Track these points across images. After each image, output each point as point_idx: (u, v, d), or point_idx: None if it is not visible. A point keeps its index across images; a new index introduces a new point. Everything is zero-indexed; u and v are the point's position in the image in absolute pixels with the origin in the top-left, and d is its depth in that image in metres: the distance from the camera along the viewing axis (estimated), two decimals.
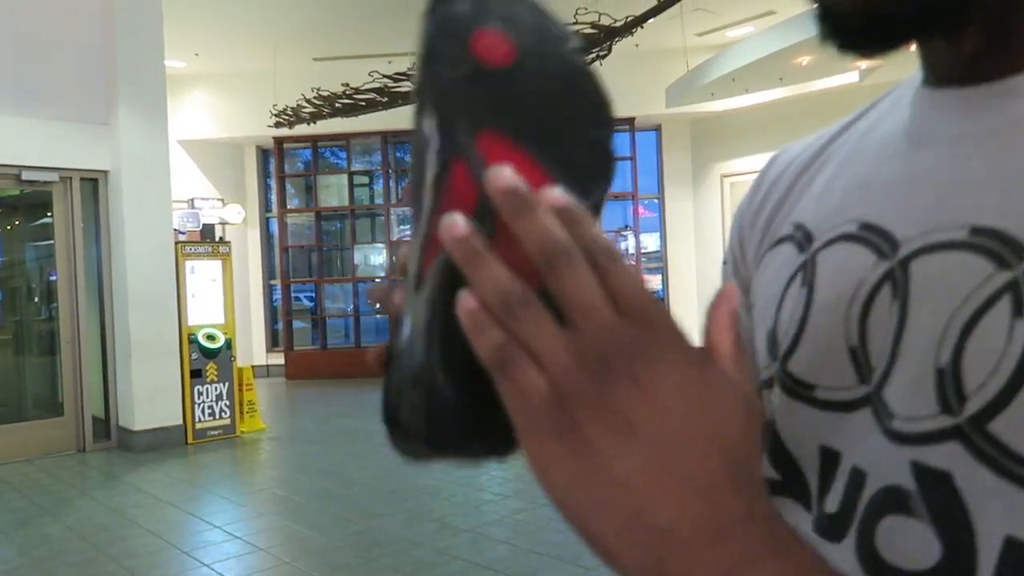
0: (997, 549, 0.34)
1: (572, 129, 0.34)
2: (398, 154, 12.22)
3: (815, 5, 0.40)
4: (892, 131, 0.45)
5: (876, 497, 0.39)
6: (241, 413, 7.37)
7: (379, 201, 12.07)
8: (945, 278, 0.37)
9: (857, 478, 0.40)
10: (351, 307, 12.02)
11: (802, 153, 0.53)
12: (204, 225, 8.03)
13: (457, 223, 0.31)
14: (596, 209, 0.35)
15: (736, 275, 0.56)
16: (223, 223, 8.55)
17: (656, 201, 11.65)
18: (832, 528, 0.41)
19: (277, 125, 9.40)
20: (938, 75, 0.42)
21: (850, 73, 8.18)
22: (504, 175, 0.30)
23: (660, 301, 0.32)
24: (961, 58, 0.40)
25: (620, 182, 11.81)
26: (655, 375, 0.30)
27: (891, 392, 0.39)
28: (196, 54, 10.03)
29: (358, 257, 12.13)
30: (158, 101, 6.96)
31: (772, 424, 0.47)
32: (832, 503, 0.41)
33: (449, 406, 0.34)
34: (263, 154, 12.19)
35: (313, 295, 12.21)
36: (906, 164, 0.43)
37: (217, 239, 8.12)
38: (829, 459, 0.42)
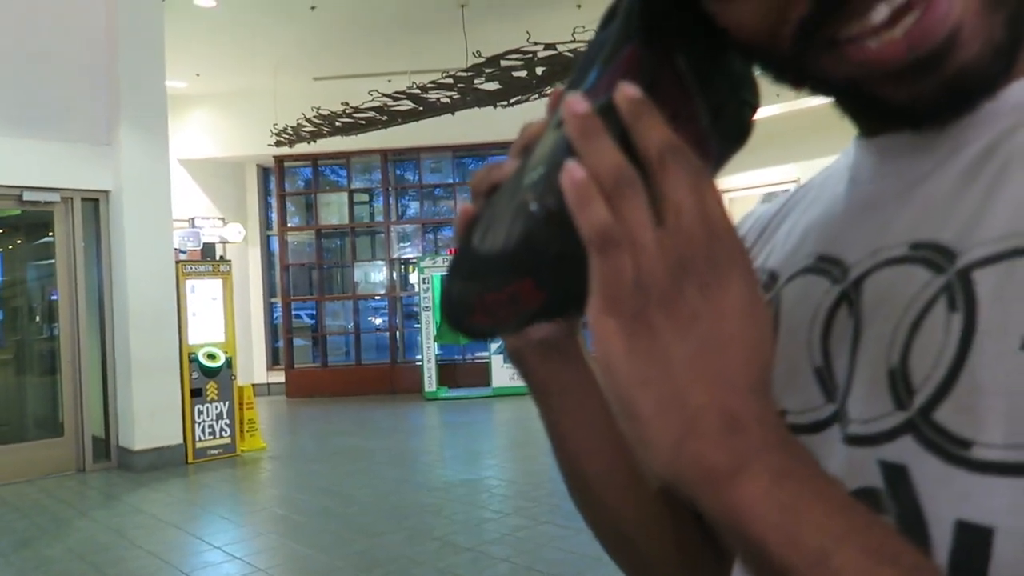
0: (949, 534, 0.36)
1: (732, 89, 0.41)
2: (398, 172, 12.27)
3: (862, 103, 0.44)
4: (839, 179, 0.51)
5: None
6: (241, 432, 7.36)
7: (379, 219, 12.10)
8: (892, 290, 0.41)
9: None
10: (351, 324, 12.02)
11: (767, 211, 0.59)
12: (205, 244, 8.05)
13: (578, 101, 0.35)
14: (721, 161, 0.40)
15: None
16: (224, 242, 8.57)
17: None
18: None
19: (278, 144, 9.45)
20: (868, 130, 0.48)
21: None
22: (630, 89, 0.35)
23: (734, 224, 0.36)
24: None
25: None
26: (723, 283, 0.34)
27: (852, 402, 0.42)
28: (197, 74, 10.11)
29: (358, 274, 12.15)
30: (159, 121, 7.01)
31: None
32: None
33: (538, 235, 0.37)
34: (264, 172, 12.25)
35: (314, 312, 12.23)
36: (850, 201, 0.48)
37: (218, 258, 8.14)
38: None
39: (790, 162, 9.43)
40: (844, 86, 0.41)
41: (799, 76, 0.43)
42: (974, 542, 0.35)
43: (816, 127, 8.71)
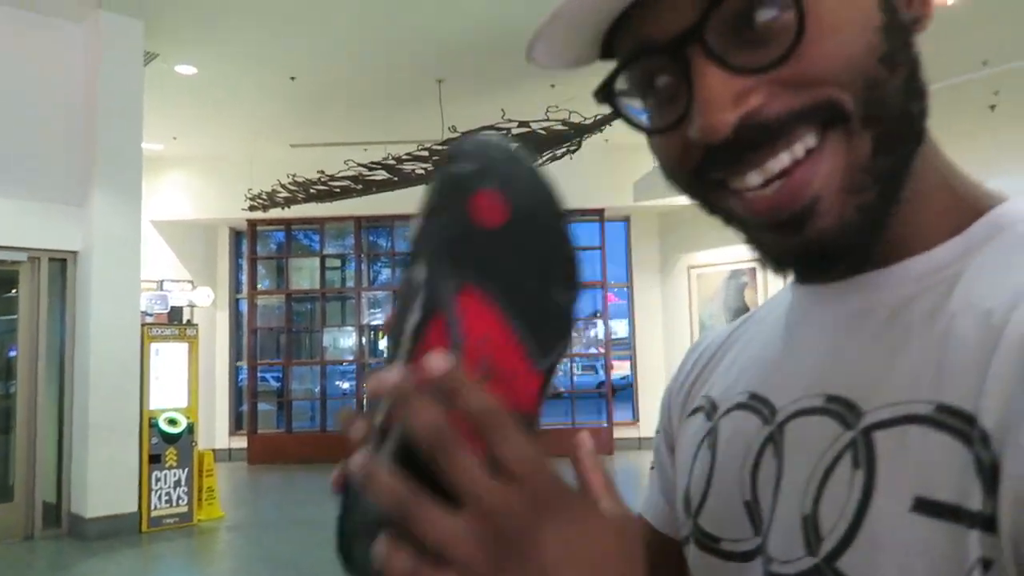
0: None
1: (545, 293, 0.38)
2: (371, 238, 12.36)
3: (754, 246, 0.49)
4: (776, 319, 0.56)
5: None
6: (199, 500, 7.17)
7: (350, 284, 12.12)
8: (807, 439, 0.46)
9: None
10: (318, 389, 11.88)
11: (716, 339, 0.64)
12: (172, 307, 7.98)
13: (391, 379, 0.36)
14: (552, 368, 0.38)
15: (666, 439, 0.65)
16: (192, 306, 8.51)
17: (625, 289, 11.84)
18: None
19: (252, 209, 9.51)
20: (799, 273, 0.53)
21: None
22: (438, 362, 0.35)
23: (545, 462, 0.36)
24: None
25: (590, 270, 12.01)
26: (542, 545, 0.35)
27: (772, 539, 0.47)
28: (174, 137, 10.20)
29: (327, 339, 12.07)
30: (134, 184, 7.03)
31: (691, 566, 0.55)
32: None
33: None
34: (236, 236, 12.25)
35: (280, 376, 12.07)
36: (782, 344, 0.54)
37: (185, 321, 8.07)
38: None
39: None
40: (740, 225, 0.48)
41: (710, 208, 0.49)
42: None
43: None
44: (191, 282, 8.87)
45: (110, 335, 6.69)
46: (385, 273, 12.42)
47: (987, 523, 0.37)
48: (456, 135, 7.31)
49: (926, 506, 0.39)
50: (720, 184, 0.46)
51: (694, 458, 0.57)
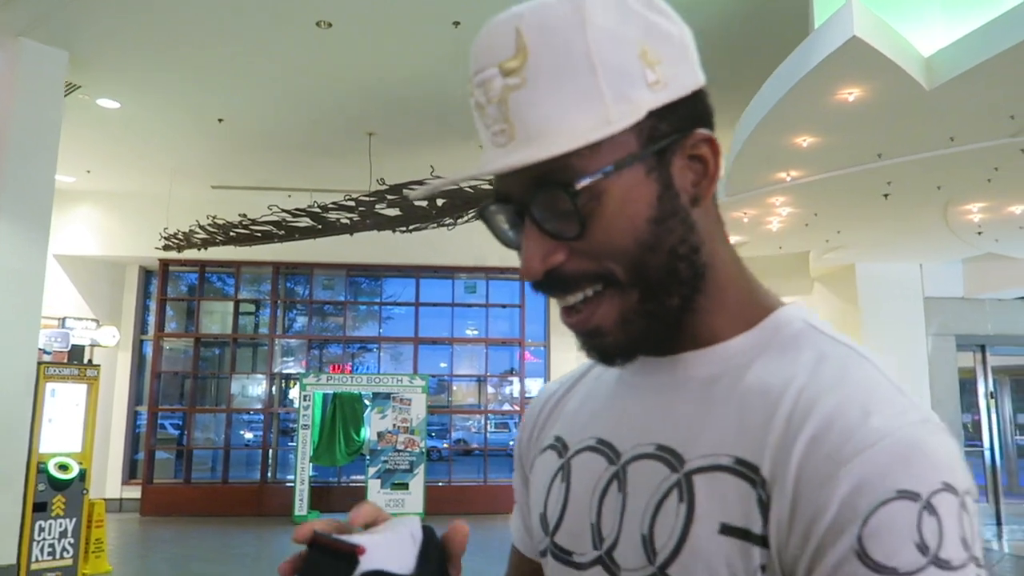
0: None
1: None
2: (288, 285, 12.15)
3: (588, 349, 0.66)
4: (611, 379, 0.73)
5: None
6: (86, 553, 6.73)
7: (264, 330, 11.83)
8: (644, 478, 0.63)
9: None
10: (222, 438, 11.42)
11: (557, 390, 0.81)
12: (73, 346, 7.60)
13: None
14: None
15: (521, 476, 0.82)
16: (94, 345, 8.12)
17: (543, 348, 11.98)
18: None
19: (166, 248, 9.22)
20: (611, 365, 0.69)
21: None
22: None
23: None
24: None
25: (508, 328, 12.13)
26: None
27: (619, 553, 0.62)
28: (88, 171, 9.86)
29: (236, 387, 11.68)
30: (42, 216, 6.73)
31: None
32: None
33: None
34: (146, 275, 11.83)
35: (181, 424, 11.56)
36: (621, 400, 0.70)
37: (86, 361, 7.69)
38: None
39: None
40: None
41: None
42: None
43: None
44: (96, 320, 8.48)
45: (2, 372, 6.30)
46: (301, 321, 12.19)
47: (764, 542, 0.55)
48: (384, 187, 7.36)
49: (728, 530, 0.56)
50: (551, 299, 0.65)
51: (549, 489, 0.72)
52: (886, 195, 6.45)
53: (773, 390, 0.58)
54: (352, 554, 0.53)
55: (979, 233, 7.59)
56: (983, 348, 9.92)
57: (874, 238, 8.16)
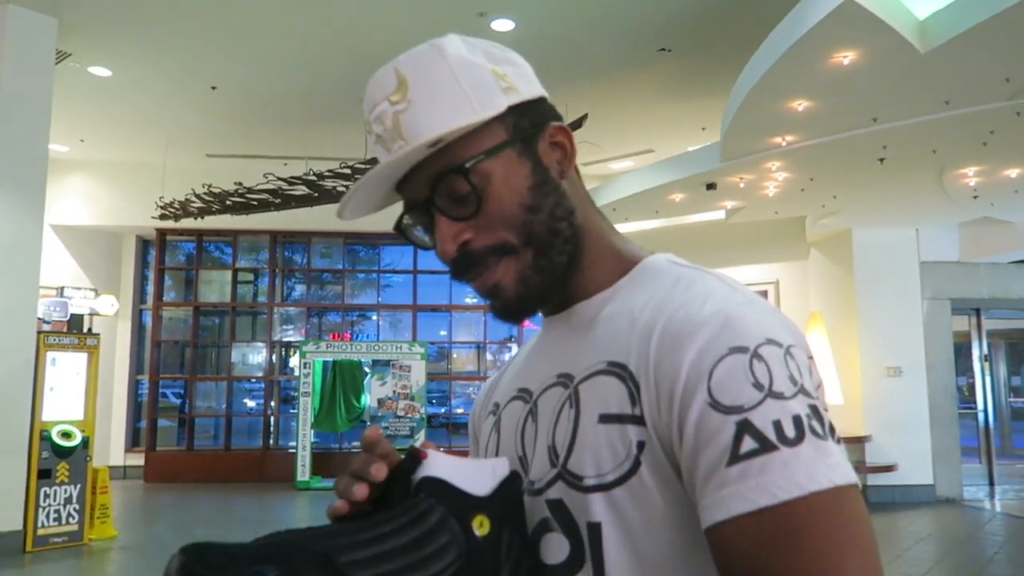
0: (586, 531, 0.67)
1: None
2: (286, 253, 12.16)
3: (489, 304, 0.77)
4: (532, 345, 0.88)
5: (535, 531, 0.71)
6: (91, 518, 6.85)
7: (263, 299, 11.87)
8: (548, 402, 0.76)
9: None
10: (223, 406, 11.53)
11: (497, 375, 0.95)
12: (72, 315, 7.63)
13: None
14: None
15: (474, 441, 0.95)
16: (93, 314, 8.15)
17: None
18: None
19: (162, 217, 9.22)
20: (545, 311, 0.82)
21: (718, 212, 8.96)
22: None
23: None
24: (551, 303, 0.81)
25: None
26: None
27: (532, 470, 0.74)
28: (81, 140, 9.82)
29: (236, 355, 11.75)
30: (36, 185, 6.73)
31: None
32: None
33: None
34: (143, 244, 11.84)
35: (183, 392, 11.66)
36: (534, 355, 0.85)
37: (86, 330, 7.73)
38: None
39: (770, 262, 10.05)
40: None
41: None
42: (595, 532, 0.67)
43: (690, 242, 9.35)
44: (94, 290, 8.50)
45: (3, 341, 6.35)
46: (299, 289, 12.23)
47: (639, 420, 0.66)
48: None
49: (605, 417, 0.68)
50: (467, 283, 0.77)
51: (487, 443, 0.85)
52: (882, 160, 6.44)
53: (636, 308, 0.71)
54: (416, 457, 0.59)
55: (975, 197, 7.58)
56: (978, 312, 9.96)
57: (870, 203, 8.15)
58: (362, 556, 0.54)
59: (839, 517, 0.57)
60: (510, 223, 0.73)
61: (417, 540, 0.57)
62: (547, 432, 0.73)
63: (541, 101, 0.78)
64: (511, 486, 0.66)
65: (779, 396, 0.60)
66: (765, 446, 0.58)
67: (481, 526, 0.61)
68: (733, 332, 0.63)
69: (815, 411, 0.61)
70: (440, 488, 0.60)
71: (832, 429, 0.62)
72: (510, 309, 0.75)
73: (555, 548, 0.69)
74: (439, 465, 0.61)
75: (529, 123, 0.75)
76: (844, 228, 9.11)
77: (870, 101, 5.37)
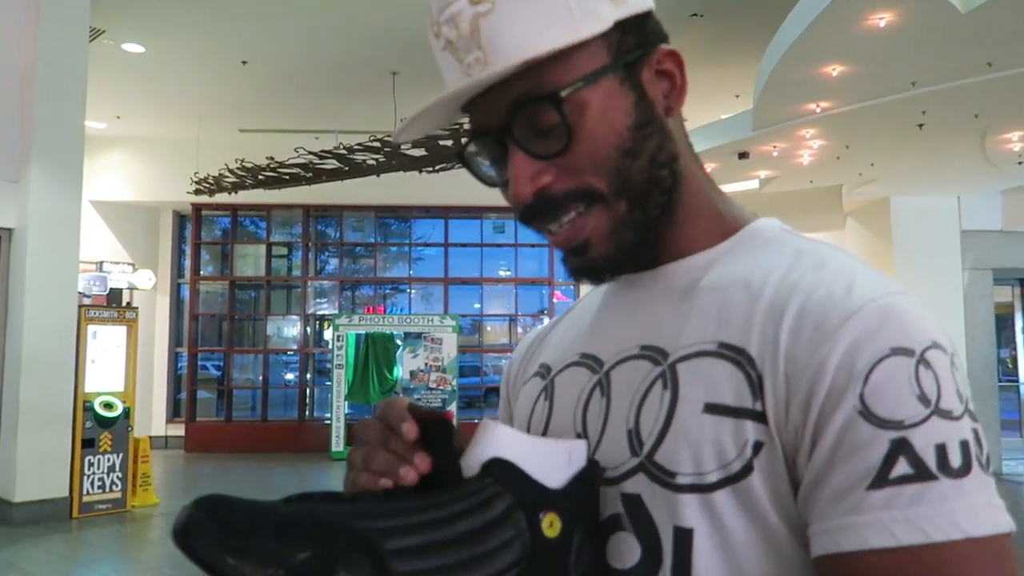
0: (671, 536, 0.57)
1: None
2: (319, 227, 12.27)
3: (564, 264, 0.67)
4: (594, 304, 0.76)
5: (602, 525, 0.61)
6: (134, 486, 7.06)
7: (297, 273, 12.01)
8: (628, 377, 0.64)
9: None
10: (260, 378, 11.75)
11: (543, 329, 0.83)
12: (111, 289, 7.82)
13: None
14: None
15: (507, 409, 0.83)
16: (132, 288, 8.34)
17: (572, 287, 12.01)
18: None
19: (197, 192, 9.35)
20: (594, 283, 0.71)
21: (751, 182, 8.81)
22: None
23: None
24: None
25: (538, 268, 12.16)
26: None
27: (600, 455, 0.62)
28: (118, 117, 9.96)
29: (271, 328, 11.95)
30: (74, 162, 6.87)
31: None
32: None
33: None
34: (180, 220, 12.03)
35: (221, 365, 11.90)
36: (603, 318, 0.72)
37: (124, 304, 7.91)
38: None
39: (805, 232, 9.94)
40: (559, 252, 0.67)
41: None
42: (683, 539, 0.56)
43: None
44: (132, 264, 8.70)
45: (45, 315, 6.54)
46: (332, 263, 12.35)
47: (760, 418, 0.55)
48: None
49: (713, 408, 0.57)
50: (540, 231, 0.66)
51: (532, 410, 0.73)
52: (920, 125, 6.26)
53: (754, 281, 0.60)
54: (447, 424, 0.50)
55: (1019, 163, 7.34)
56: (1021, 282, 9.70)
57: (909, 170, 7.95)
58: (411, 544, 0.46)
59: (996, 570, 0.49)
60: (602, 167, 0.61)
61: (477, 532, 0.48)
62: (627, 413, 0.61)
63: (648, 16, 0.65)
64: (588, 478, 0.57)
65: (947, 415, 0.51)
66: (922, 474, 0.49)
67: (551, 525, 0.52)
68: (895, 329, 0.52)
69: (978, 437, 0.52)
70: (510, 473, 0.51)
71: (990, 461, 0.53)
72: (595, 268, 0.64)
73: (624, 550, 0.59)
74: (509, 444, 0.51)
75: (635, 43, 0.63)
76: (882, 196, 8.91)
77: (908, 64, 5.21)
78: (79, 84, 6.93)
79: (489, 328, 12.55)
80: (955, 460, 0.50)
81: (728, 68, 8.18)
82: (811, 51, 5.05)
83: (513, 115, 0.60)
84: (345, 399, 10.43)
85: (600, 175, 0.61)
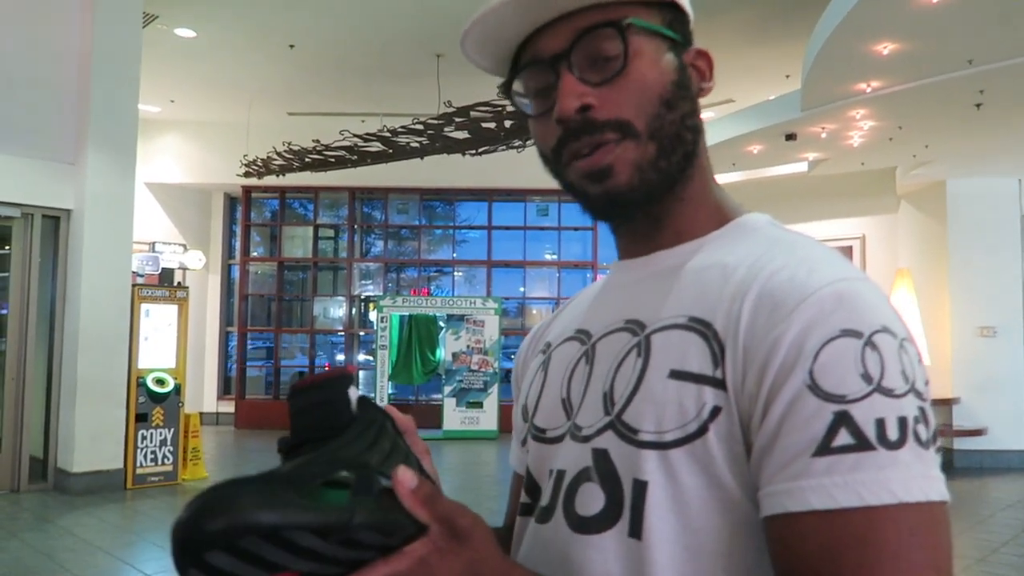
0: (631, 488, 0.62)
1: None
2: (365, 210, 12.41)
3: (581, 200, 0.71)
4: (594, 290, 0.83)
5: (574, 479, 0.66)
6: (184, 460, 7.29)
7: (343, 255, 12.18)
8: (610, 347, 0.70)
9: (559, 477, 0.69)
10: (307, 358, 11.98)
11: (548, 319, 0.89)
12: (164, 269, 8.05)
13: None
14: None
15: (517, 382, 0.88)
16: (183, 268, 8.58)
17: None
18: (545, 513, 0.69)
19: (246, 175, 9.54)
20: (620, 254, 0.78)
21: (800, 164, 8.61)
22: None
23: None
24: (629, 245, 0.76)
25: (582, 251, 12.11)
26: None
27: (581, 416, 0.69)
28: (172, 100, 10.20)
29: (317, 309, 12.16)
30: (128, 144, 7.08)
31: (527, 464, 0.76)
32: (544, 498, 0.70)
33: None
34: (230, 202, 12.29)
35: (271, 344, 12.17)
36: (599, 299, 0.79)
37: (176, 283, 8.14)
38: (551, 475, 0.70)
39: (856, 216, 9.75)
40: (574, 188, 0.71)
41: (561, 179, 0.72)
42: (640, 491, 0.61)
43: (770, 196, 9.03)
44: (183, 245, 8.93)
45: (101, 294, 6.77)
46: (378, 245, 12.49)
47: (719, 384, 0.60)
48: (452, 109, 7.36)
49: (678, 374, 0.62)
50: (567, 163, 0.69)
51: (531, 382, 0.80)
52: (978, 105, 6.02)
53: (729, 264, 0.66)
54: (344, 376, 0.57)
55: None
56: None
57: (966, 152, 7.67)
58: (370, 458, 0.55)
59: (924, 537, 0.53)
60: (643, 107, 0.67)
61: (382, 438, 0.57)
62: (604, 378, 0.68)
63: (688, 21, 0.74)
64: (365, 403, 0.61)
65: (888, 392, 0.55)
66: (862, 444, 0.54)
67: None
68: (848, 312, 0.57)
69: (923, 415, 0.56)
70: (370, 402, 0.59)
71: (936, 437, 0.56)
72: (614, 199, 0.68)
73: (589, 499, 0.64)
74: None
75: (679, 32, 0.71)
76: (937, 179, 8.61)
77: (964, 41, 5.01)
78: (133, 68, 7.11)
79: (534, 311, 12.56)
80: (892, 434, 0.54)
81: (776, 47, 7.99)
82: (861, 28, 4.90)
83: (577, 40, 0.66)
84: (388, 379, 10.57)
85: (639, 114, 0.67)
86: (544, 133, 0.70)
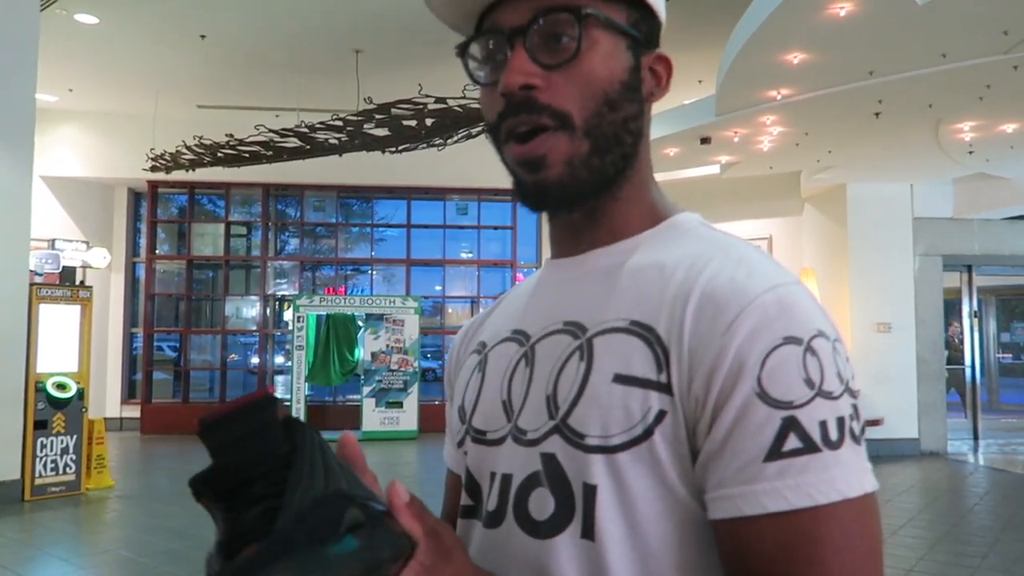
0: (581, 492, 0.63)
1: None
2: (279, 207, 12.10)
3: (515, 185, 0.71)
4: (528, 287, 0.82)
5: (523, 484, 0.67)
6: (88, 468, 6.94)
7: (256, 253, 11.84)
8: (551, 348, 0.70)
9: (505, 481, 0.69)
10: (218, 360, 11.59)
11: (481, 315, 0.89)
12: (64, 268, 7.62)
13: None
14: None
15: (451, 387, 0.87)
16: (86, 267, 8.14)
17: (535, 270, 12.02)
18: (493, 518, 0.69)
19: (153, 169, 9.14)
20: (555, 251, 0.78)
21: (712, 167, 8.92)
22: None
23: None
24: (564, 240, 0.76)
25: (501, 250, 12.17)
26: None
27: (523, 419, 0.69)
28: (70, 89, 9.67)
29: (230, 308, 11.78)
30: (25, 136, 6.67)
31: (466, 466, 0.75)
32: (491, 503, 0.70)
33: None
34: (135, 197, 11.76)
35: (177, 346, 11.71)
36: (534, 298, 0.78)
37: (78, 283, 7.72)
38: (493, 478, 0.70)
39: (764, 217, 10.03)
40: (511, 170, 0.71)
41: (501, 157, 0.72)
42: (590, 495, 0.62)
43: (685, 197, 9.32)
44: (86, 242, 8.48)
45: None
46: (293, 243, 12.20)
47: (665, 389, 0.61)
48: (372, 106, 7.26)
49: (622, 378, 0.63)
50: (505, 140, 0.70)
51: (467, 382, 0.79)
52: (877, 114, 6.39)
53: (667, 265, 0.67)
54: (265, 398, 0.51)
55: (970, 152, 7.55)
56: (969, 268, 10.00)
57: (865, 158, 8.12)
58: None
59: (864, 526, 0.57)
60: (585, 102, 0.67)
61: (329, 454, 0.54)
62: (546, 381, 0.68)
63: (659, 25, 0.74)
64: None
65: (828, 395, 0.58)
66: (809, 447, 0.56)
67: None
68: (788, 319, 0.59)
69: (855, 411, 0.60)
70: (300, 425, 0.54)
71: (863, 429, 0.60)
72: (545, 191, 0.69)
73: (541, 504, 0.65)
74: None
75: (643, 33, 0.71)
76: (839, 183, 9.09)
77: (866, 54, 5.31)
78: (30, 55, 6.71)
79: (451, 310, 12.54)
80: (833, 434, 0.57)
81: (692, 53, 8.24)
82: (773, 38, 5.12)
83: (535, 18, 0.67)
84: (305, 381, 10.35)
85: (580, 108, 0.67)
86: (490, 104, 0.70)
